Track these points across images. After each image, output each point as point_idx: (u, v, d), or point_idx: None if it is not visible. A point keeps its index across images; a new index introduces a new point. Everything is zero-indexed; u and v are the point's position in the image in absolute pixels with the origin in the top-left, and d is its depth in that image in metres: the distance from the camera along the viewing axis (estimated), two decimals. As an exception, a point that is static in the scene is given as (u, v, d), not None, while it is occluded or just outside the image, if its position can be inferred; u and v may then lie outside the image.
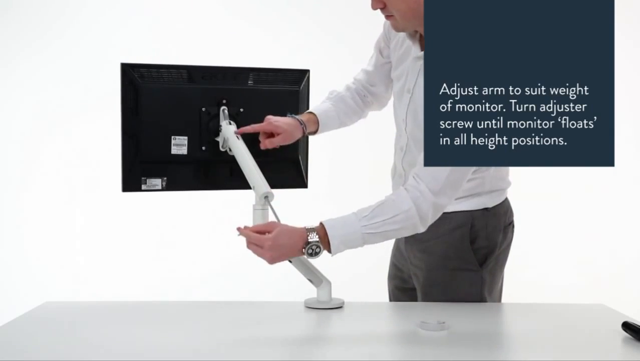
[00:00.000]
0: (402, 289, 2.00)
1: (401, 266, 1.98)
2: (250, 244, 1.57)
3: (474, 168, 1.66)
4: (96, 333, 1.55)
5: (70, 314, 1.70)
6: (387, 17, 1.69)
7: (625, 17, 3.84)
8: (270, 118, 1.78)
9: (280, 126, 1.77)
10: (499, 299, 1.90)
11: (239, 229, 1.60)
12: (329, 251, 1.59)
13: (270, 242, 1.55)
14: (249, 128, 1.77)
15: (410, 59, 1.77)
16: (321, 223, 1.59)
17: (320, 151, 2.11)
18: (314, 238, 1.57)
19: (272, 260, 1.57)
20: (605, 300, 1.87)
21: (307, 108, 1.93)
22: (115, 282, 3.62)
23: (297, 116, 1.84)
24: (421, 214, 1.58)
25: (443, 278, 1.82)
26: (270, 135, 1.79)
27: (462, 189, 1.70)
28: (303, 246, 1.57)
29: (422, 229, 1.61)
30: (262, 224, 1.61)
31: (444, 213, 1.69)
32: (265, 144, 1.78)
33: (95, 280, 3.64)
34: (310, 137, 1.93)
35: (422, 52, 1.70)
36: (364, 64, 2.01)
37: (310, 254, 1.57)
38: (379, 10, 1.68)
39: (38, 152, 3.77)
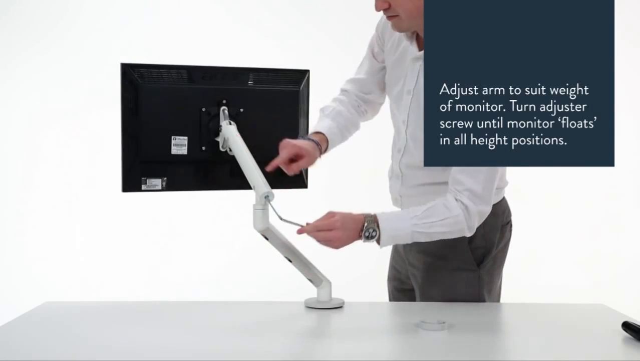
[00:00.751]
0: (400, 290, 2.00)
1: (399, 267, 1.98)
2: (319, 234, 1.62)
3: (501, 170, 1.70)
4: (96, 333, 1.55)
5: (70, 314, 1.70)
6: (390, 17, 1.69)
7: (625, 17, 3.84)
8: (290, 142, 1.75)
9: (304, 147, 1.75)
10: (498, 299, 1.90)
11: (302, 230, 1.63)
12: (378, 242, 1.66)
13: (340, 223, 1.62)
14: (278, 161, 1.72)
15: (409, 60, 1.77)
16: (375, 215, 1.65)
17: (320, 151, 2.10)
18: (371, 224, 1.64)
19: (340, 242, 1.63)
20: (605, 300, 1.87)
21: (307, 109, 1.92)
22: (115, 282, 3.62)
23: (311, 137, 1.81)
24: (468, 223, 1.67)
25: (441, 278, 1.82)
26: (292, 159, 1.75)
27: None
28: (361, 228, 1.63)
29: (469, 234, 1.69)
30: (322, 217, 1.65)
31: None
32: (293, 169, 1.74)
33: (95, 280, 3.65)
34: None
35: (421, 52, 1.70)
36: (351, 73, 1.99)
37: (367, 237, 1.64)
38: (376, 11, 1.68)
39: (38, 152, 3.77)
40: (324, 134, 1.85)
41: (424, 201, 1.70)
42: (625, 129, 3.89)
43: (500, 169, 1.70)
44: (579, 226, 3.87)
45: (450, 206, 1.66)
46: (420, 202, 1.71)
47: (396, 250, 1.99)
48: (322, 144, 1.82)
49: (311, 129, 1.88)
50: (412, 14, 1.64)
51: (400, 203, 1.88)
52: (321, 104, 1.97)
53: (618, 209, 3.90)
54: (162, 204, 3.46)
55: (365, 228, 1.63)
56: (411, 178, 1.83)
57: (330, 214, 1.65)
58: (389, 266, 2.04)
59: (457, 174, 1.66)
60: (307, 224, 1.64)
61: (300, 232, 1.63)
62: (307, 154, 1.75)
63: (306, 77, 1.92)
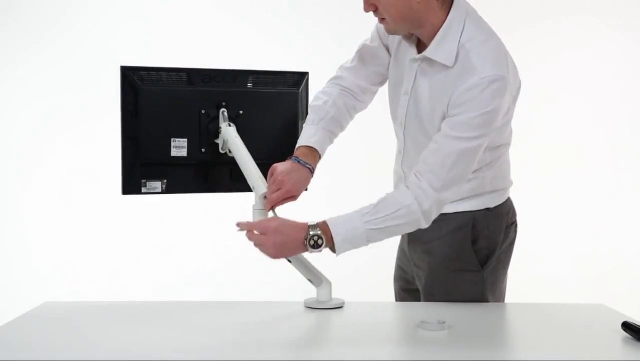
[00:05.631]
0: (406, 290, 1.99)
1: (405, 268, 1.97)
2: (252, 234, 1.56)
3: (474, 164, 1.63)
4: (96, 333, 1.55)
5: (70, 314, 1.70)
6: (380, 19, 1.68)
7: (625, 17, 3.86)
8: (284, 180, 1.65)
9: (298, 187, 1.69)
10: (503, 299, 1.90)
11: (239, 224, 1.59)
12: (333, 250, 1.58)
13: (273, 229, 1.55)
14: (278, 202, 1.66)
15: (407, 61, 1.75)
16: (324, 221, 1.58)
17: (320, 153, 2.11)
18: (316, 231, 1.55)
19: (274, 249, 1.55)
20: (605, 300, 1.86)
21: (307, 111, 1.92)
22: (115, 282, 3.62)
23: (305, 162, 1.72)
24: (423, 210, 1.58)
25: (445, 279, 1.82)
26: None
27: (464, 189, 1.70)
28: (305, 237, 1.55)
29: (425, 224, 1.61)
30: (263, 219, 1.60)
31: (446, 214, 1.70)
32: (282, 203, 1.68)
33: (95, 280, 3.65)
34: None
35: (419, 55, 1.70)
36: (353, 63, 1.89)
37: (313, 246, 1.55)
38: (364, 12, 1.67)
39: (39, 153, 3.78)
40: (317, 152, 1.77)
41: None
42: (625, 130, 3.90)
43: (477, 157, 1.62)
44: (579, 226, 3.87)
45: (401, 197, 1.58)
46: None
47: (402, 250, 1.99)
48: (315, 165, 1.76)
49: (305, 138, 1.78)
50: (396, 19, 1.63)
51: None
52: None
53: (619, 210, 3.90)
54: (161, 205, 3.46)
55: (310, 236, 1.54)
56: None
57: (272, 218, 1.58)
58: (395, 266, 2.04)
59: (429, 154, 1.60)
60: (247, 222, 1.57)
61: (238, 225, 1.57)
62: (299, 192, 1.70)
63: (305, 79, 1.93)
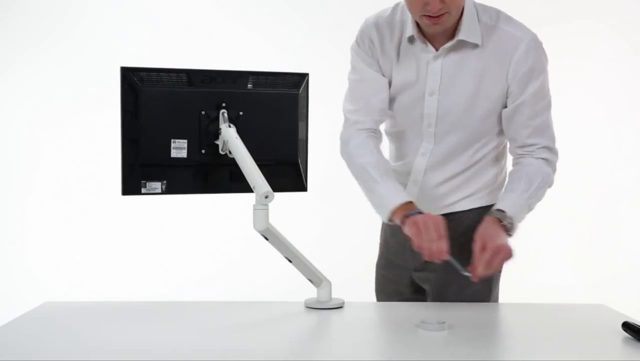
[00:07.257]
0: (400, 299, 1.98)
1: (396, 278, 1.96)
2: (492, 266, 1.61)
3: (508, 166, 1.83)
4: (96, 333, 1.55)
5: (70, 314, 1.70)
6: (439, 17, 1.65)
7: (625, 18, 3.86)
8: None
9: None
10: (497, 299, 1.90)
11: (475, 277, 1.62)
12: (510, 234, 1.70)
13: (493, 239, 1.63)
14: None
15: (423, 62, 1.76)
16: (499, 210, 1.71)
17: (320, 154, 2.11)
18: (506, 219, 1.68)
19: (509, 249, 1.63)
20: (605, 300, 1.87)
21: (307, 112, 1.91)
22: (116, 282, 3.63)
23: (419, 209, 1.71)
24: (553, 174, 1.81)
25: (457, 280, 1.78)
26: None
27: (486, 183, 1.82)
28: (507, 230, 1.68)
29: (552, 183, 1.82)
30: (476, 253, 1.63)
31: (462, 212, 1.79)
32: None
33: (95, 280, 3.65)
34: (310, 140, 1.91)
35: (451, 42, 1.73)
36: (357, 105, 1.87)
37: (510, 229, 1.69)
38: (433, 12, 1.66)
39: (39, 154, 3.79)
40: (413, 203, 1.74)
41: (440, 206, 1.75)
42: (624, 131, 3.90)
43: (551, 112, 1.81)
44: (579, 226, 3.88)
45: (538, 166, 1.76)
46: (436, 207, 1.74)
47: (392, 261, 1.97)
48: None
49: (401, 198, 1.73)
50: (459, 8, 1.69)
51: None
52: (321, 109, 1.93)
53: (618, 210, 3.91)
54: (161, 205, 3.47)
55: (507, 227, 1.68)
56: (437, 176, 1.82)
57: (479, 245, 1.62)
58: (376, 279, 2.02)
59: (527, 139, 1.77)
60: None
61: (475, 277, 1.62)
62: None
63: (305, 81, 1.92)
